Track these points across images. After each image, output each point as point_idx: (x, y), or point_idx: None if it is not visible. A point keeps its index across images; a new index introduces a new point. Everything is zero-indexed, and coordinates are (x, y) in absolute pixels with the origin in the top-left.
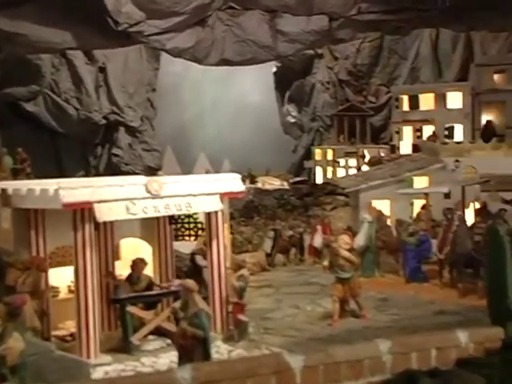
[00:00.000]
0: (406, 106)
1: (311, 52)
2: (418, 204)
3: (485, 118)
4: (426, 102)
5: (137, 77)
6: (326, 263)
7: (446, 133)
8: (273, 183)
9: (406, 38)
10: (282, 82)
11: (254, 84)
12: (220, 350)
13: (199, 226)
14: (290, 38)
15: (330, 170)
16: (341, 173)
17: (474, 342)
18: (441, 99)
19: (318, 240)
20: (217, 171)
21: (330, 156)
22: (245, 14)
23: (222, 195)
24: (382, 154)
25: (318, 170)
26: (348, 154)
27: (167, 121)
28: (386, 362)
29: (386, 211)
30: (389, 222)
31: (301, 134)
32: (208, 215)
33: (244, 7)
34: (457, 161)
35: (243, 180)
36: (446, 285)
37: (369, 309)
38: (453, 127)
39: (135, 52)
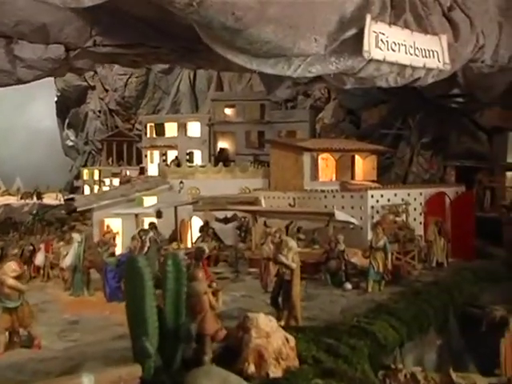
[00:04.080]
0: (153, 133)
1: (85, 84)
2: (148, 222)
3: (220, 144)
4: (171, 130)
5: None
6: None
7: (187, 157)
8: (56, 199)
9: (169, 76)
10: (62, 109)
11: (46, 110)
12: None
13: None
14: (28, 64)
15: (96, 188)
16: None
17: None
18: (182, 128)
19: (39, 258)
20: (8, 187)
21: (96, 176)
22: None
23: None
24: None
25: (86, 189)
26: (114, 175)
27: None
28: None
29: (119, 229)
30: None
31: (77, 156)
32: None
33: None
34: (181, 182)
35: (31, 196)
36: None
37: (51, 335)
38: (193, 152)
39: None
